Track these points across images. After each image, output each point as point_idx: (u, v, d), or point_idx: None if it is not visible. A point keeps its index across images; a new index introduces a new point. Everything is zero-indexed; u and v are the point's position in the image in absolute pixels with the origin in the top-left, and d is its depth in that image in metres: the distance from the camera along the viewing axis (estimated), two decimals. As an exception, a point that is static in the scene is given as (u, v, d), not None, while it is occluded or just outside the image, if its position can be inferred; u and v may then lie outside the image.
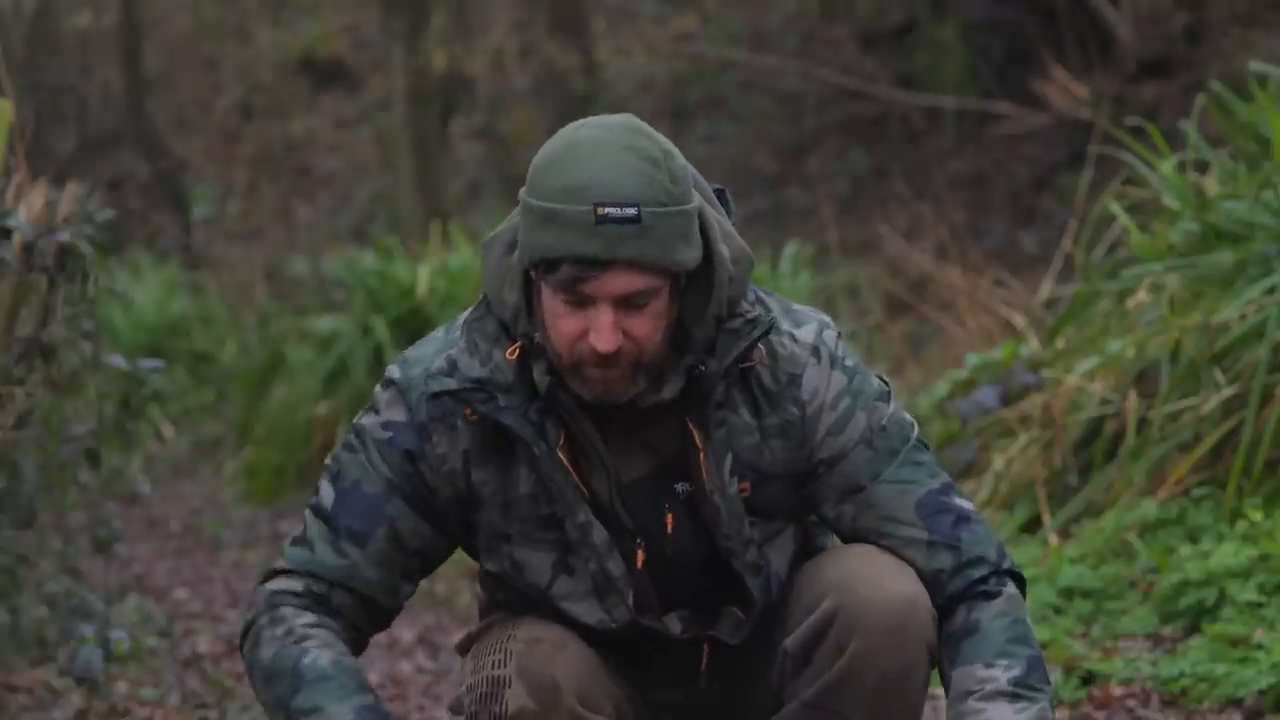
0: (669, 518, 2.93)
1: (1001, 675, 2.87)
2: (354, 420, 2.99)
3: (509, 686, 2.87)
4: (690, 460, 2.91)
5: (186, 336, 13.41)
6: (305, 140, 18.04)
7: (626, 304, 2.80)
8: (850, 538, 2.97)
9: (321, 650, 2.92)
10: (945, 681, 2.93)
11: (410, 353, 2.99)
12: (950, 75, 13.17)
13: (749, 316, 2.89)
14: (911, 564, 2.92)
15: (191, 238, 16.89)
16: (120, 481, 5.44)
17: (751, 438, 2.93)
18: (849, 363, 2.96)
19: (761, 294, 2.97)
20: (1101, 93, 11.78)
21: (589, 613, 2.94)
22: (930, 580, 2.93)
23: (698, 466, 2.90)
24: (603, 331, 2.79)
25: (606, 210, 2.77)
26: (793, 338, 2.95)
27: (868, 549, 2.95)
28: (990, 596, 2.92)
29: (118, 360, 5.07)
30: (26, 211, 4.72)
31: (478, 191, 16.09)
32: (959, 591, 2.93)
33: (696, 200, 2.85)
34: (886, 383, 3.01)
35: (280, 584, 2.99)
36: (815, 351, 2.95)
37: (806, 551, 3.04)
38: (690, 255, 2.83)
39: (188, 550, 9.29)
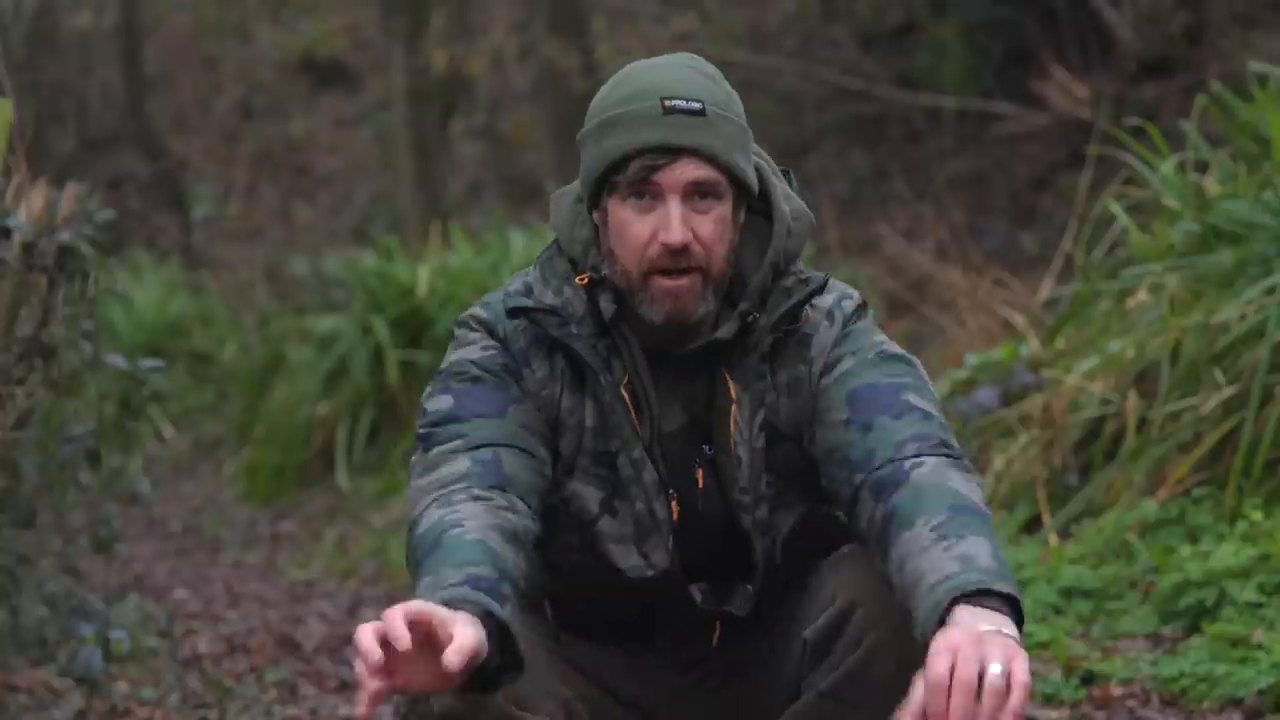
0: (700, 474, 2.95)
1: (924, 530, 2.75)
2: (445, 361, 2.97)
3: None
4: (717, 417, 2.93)
5: (186, 336, 13.42)
6: (305, 140, 18.05)
7: (694, 200, 2.85)
8: (824, 470, 2.93)
9: (471, 526, 2.78)
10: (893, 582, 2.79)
11: (488, 297, 3.01)
12: (950, 75, 13.17)
13: (803, 277, 2.95)
14: (830, 448, 2.88)
15: (191, 238, 16.89)
16: (120, 481, 5.43)
17: (772, 394, 2.96)
18: (859, 324, 2.99)
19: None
20: (1101, 93, 11.78)
21: (626, 556, 2.95)
22: (846, 472, 2.85)
23: (726, 419, 2.92)
24: (673, 223, 2.83)
25: (674, 102, 2.85)
26: (812, 304, 2.99)
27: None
28: (901, 480, 2.81)
29: (118, 360, 5.06)
30: (26, 211, 4.72)
31: (478, 191, 16.09)
32: (872, 487, 2.83)
33: (750, 132, 2.93)
34: (904, 354, 2.99)
35: (430, 479, 2.87)
36: (829, 314, 2.98)
37: (821, 546, 3.04)
38: (749, 170, 2.90)
39: (188, 550, 9.29)
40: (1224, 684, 4.47)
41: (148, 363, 5.21)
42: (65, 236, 4.72)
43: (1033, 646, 4.94)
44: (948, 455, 2.85)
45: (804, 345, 2.96)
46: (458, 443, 2.88)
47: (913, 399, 2.89)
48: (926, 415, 2.88)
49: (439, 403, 2.94)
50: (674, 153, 2.84)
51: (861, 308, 3.01)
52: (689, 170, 2.84)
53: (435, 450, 2.89)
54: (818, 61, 14.13)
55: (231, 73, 18.86)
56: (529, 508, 2.85)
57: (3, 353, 4.69)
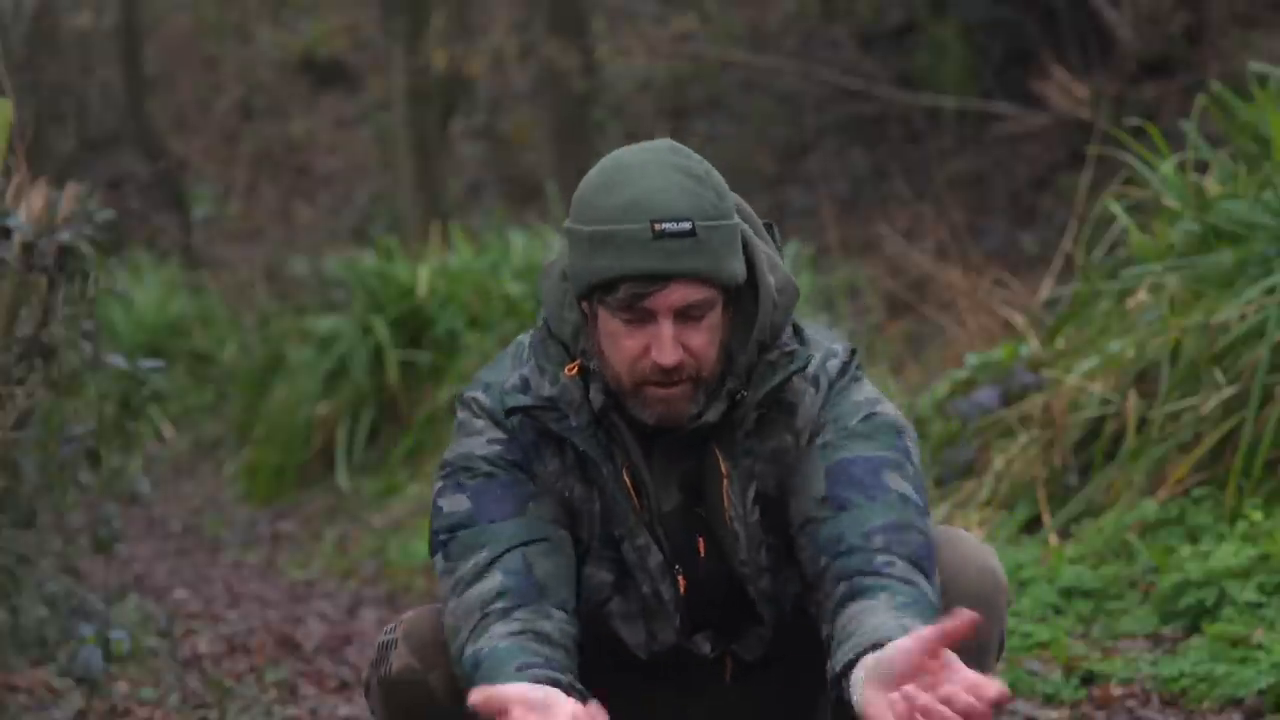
0: (700, 543, 2.96)
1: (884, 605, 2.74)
2: (450, 452, 2.95)
3: (395, 649, 2.96)
4: (710, 488, 2.93)
5: (186, 336, 13.42)
6: (305, 140, 18.04)
7: (685, 317, 2.83)
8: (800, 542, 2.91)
9: (496, 633, 2.83)
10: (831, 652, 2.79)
11: (488, 377, 2.98)
12: (950, 75, 13.17)
13: (787, 349, 2.92)
14: (802, 522, 2.87)
15: (191, 238, 16.89)
16: (120, 481, 5.43)
17: (759, 466, 2.95)
18: (843, 383, 2.95)
19: (797, 321, 2.99)
20: (1101, 93, 11.78)
21: (634, 634, 2.98)
22: (815, 551, 2.85)
23: (719, 494, 2.93)
24: (665, 345, 2.82)
25: (663, 226, 2.81)
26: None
27: (942, 530, 2.96)
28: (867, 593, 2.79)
29: (118, 360, 5.06)
30: (26, 211, 4.72)
31: (478, 191, 16.09)
32: (835, 574, 2.82)
33: (739, 221, 2.90)
34: (899, 419, 2.95)
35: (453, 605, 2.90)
36: (815, 381, 2.96)
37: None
38: (739, 270, 2.88)
39: (188, 550, 9.29)
40: (1224, 684, 4.47)
41: (148, 363, 5.21)
42: (65, 236, 4.71)
43: (1033, 646, 4.94)
44: (913, 563, 2.79)
45: (790, 414, 2.94)
46: (483, 554, 2.88)
47: (890, 480, 2.86)
48: (904, 499, 2.85)
49: (455, 503, 2.93)
50: (665, 279, 2.81)
51: (846, 365, 2.97)
52: (680, 293, 2.82)
53: (462, 565, 2.89)
54: (818, 61, 14.13)
55: (231, 73, 18.85)
56: (566, 612, 2.87)
57: (3, 353, 4.69)
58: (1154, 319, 5.84)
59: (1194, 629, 4.83)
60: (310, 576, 8.28)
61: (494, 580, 2.86)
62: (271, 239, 16.76)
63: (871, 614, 2.71)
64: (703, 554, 2.96)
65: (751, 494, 2.93)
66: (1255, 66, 6.29)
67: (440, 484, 2.96)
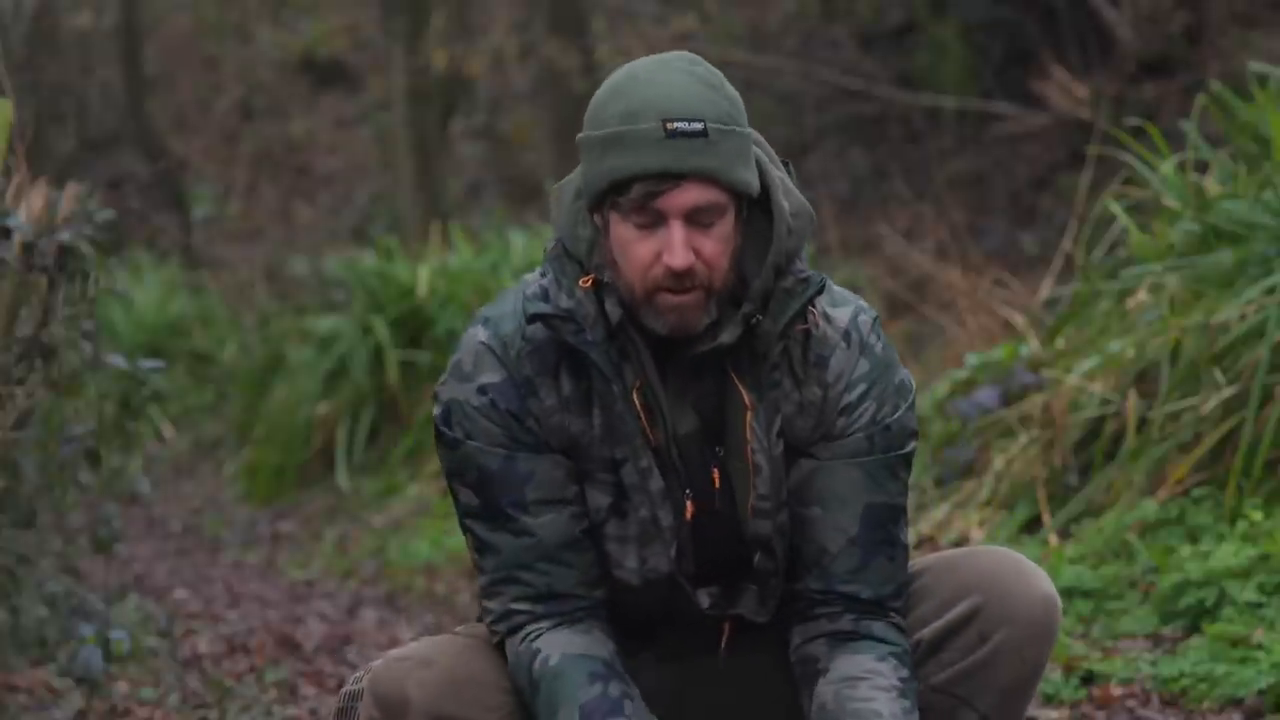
0: (715, 473, 2.95)
1: (890, 673, 2.91)
2: (437, 393, 2.96)
3: (360, 700, 2.95)
4: (730, 421, 2.92)
5: (186, 336, 13.42)
6: (305, 140, 18.04)
7: (696, 220, 2.83)
8: (792, 490, 2.97)
9: (550, 649, 2.92)
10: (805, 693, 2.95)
11: (489, 312, 2.97)
12: (950, 75, 13.16)
13: (802, 276, 2.92)
14: (820, 545, 2.93)
15: (191, 238, 16.89)
16: (120, 481, 5.43)
17: (789, 406, 2.95)
18: (878, 350, 2.98)
19: (825, 279, 3.00)
20: (1101, 93, 11.77)
21: (626, 558, 2.95)
22: (822, 572, 2.94)
23: (741, 426, 2.91)
24: (676, 247, 2.81)
25: (675, 124, 2.81)
26: (828, 318, 2.96)
27: (1002, 551, 3.02)
28: (859, 637, 2.93)
29: (118, 360, 5.06)
30: (26, 211, 4.72)
31: (478, 191, 16.09)
32: (835, 609, 2.95)
33: (752, 133, 2.91)
34: (910, 381, 3.01)
35: (495, 606, 2.97)
36: (846, 335, 2.96)
37: None
38: (752, 179, 2.87)
39: (188, 550, 9.29)
40: (1224, 684, 4.47)
41: (148, 363, 5.21)
42: (65, 236, 4.72)
43: (1033, 646, 4.93)
44: (896, 610, 2.95)
45: (820, 367, 2.94)
46: (503, 561, 2.94)
47: (894, 534, 2.95)
48: (891, 559, 2.94)
49: (463, 498, 2.96)
50: (677, 178, 2.81)
51: (875, 322, 2.99)
52: (692, 194, 2.81)
53: (487, 557, 2.95)
54: (818, 61, 14.13)
55: (231, 73, 18.85)
56: (593, 609, 2.95)
57: (3, 353, 4.69)
58: (1154, 319, 5.84)
59: (1194, 629, 4.83)
60: (310, 576, 8.28)
61: (522, 603, 2.94)
62: (271, 239, 16.76)
63: (866, 701, 2.85)
64: (718, 485, 2.94)
65: (777, 428, 2.92)
66: (1255, 66, 6.29)
67: (443, 464, 2.97)
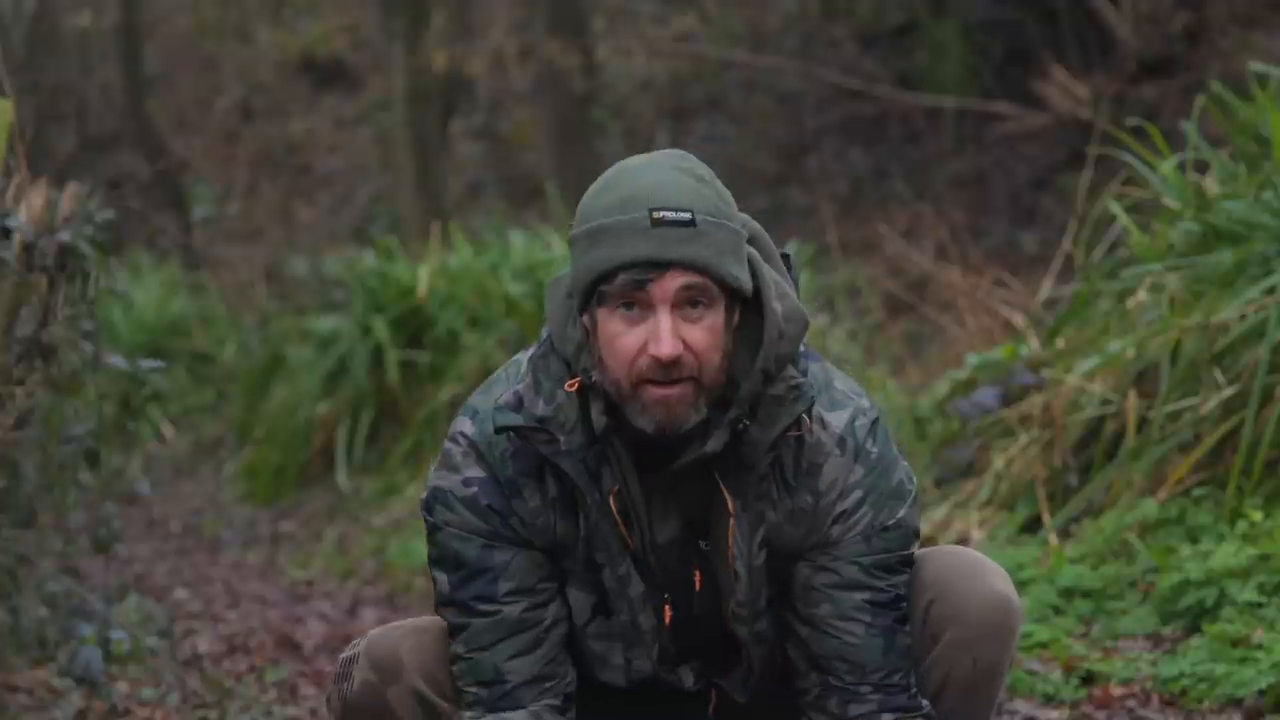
0: (696, 575, 2.94)
1: None
2: (430, 482, 2.96)
3: (356, 664, 2.99)
4: (716, 524, 2.90)
5: (186, 336, 13.42)
6: (305, 140, 18.04)
7: (684, 310, 2.79)
8: (797, 594, 2.96)
9: None
10: None
11: (478, 404, 2.95)
12: (950, 75, 13.17)
13: (794, 383, 2.86)
14: (836, 636, 2.92)
15: (191, 238, 16.88)
16: (120, 481, 5.44)
17: (778, 514, 2.92)
18: (874, 455, 2.93)
19: (811, 361, 2.95)
20: (1101, 93, 11.77)
21: (613, 658, 2.97)
22: (850, 666, 2.92)
23: (725, 532, 2.89)
24: (663, 335, 2.77)
25: (662, 214, 2.78)
26: (823, 424, 2.92)
27: (960, 550, 3.00)
28: None
29: (118, 360, 5.06)
30: (26, 211, 4.72)
31: (478, 191, 16.09)
32: (870, 705, 2.93)
33: (745, 231, 2.86)
34: (911, 480, 2.96)
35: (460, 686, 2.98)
36: (841, 442, 2.92)
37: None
38: (742, 275, 2.82)
39: (188, 550, 9.29)
40: (1224, 684, 4.47)
41: (148, 363, 5.21)
42: (65, 236, 4.71)
43: (1033, 646, 4.94)
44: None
45: (813, 475, 2.91)
46: (471, 642, 2.94)
47: (901, 618, 2.93)
48: (888, 648, 2.91)
49: (440, 581, 2.97)
50: (662, 266, 2.77)
51: (874, 425, 2.94)
52: (678, 281, 2.77)
53: (458, 642, 2.96)
54: (818, 61, 14.13)
55: (231, 73, 18.85)
56: (565, 697, 2.95)
57: (3, 353, 4.69)
58: (1154, 319, 5.84)
59: (1194, 629, 4.83)
60: (310, 576, 8.28)
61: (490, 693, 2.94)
62: (271, 239, 16.76)
63: None
64: (698, 588, 2.93)
65: (759, 538, 2.89)
66: (1255, 66, 6.29)
67: (428, 545, 2.97)
